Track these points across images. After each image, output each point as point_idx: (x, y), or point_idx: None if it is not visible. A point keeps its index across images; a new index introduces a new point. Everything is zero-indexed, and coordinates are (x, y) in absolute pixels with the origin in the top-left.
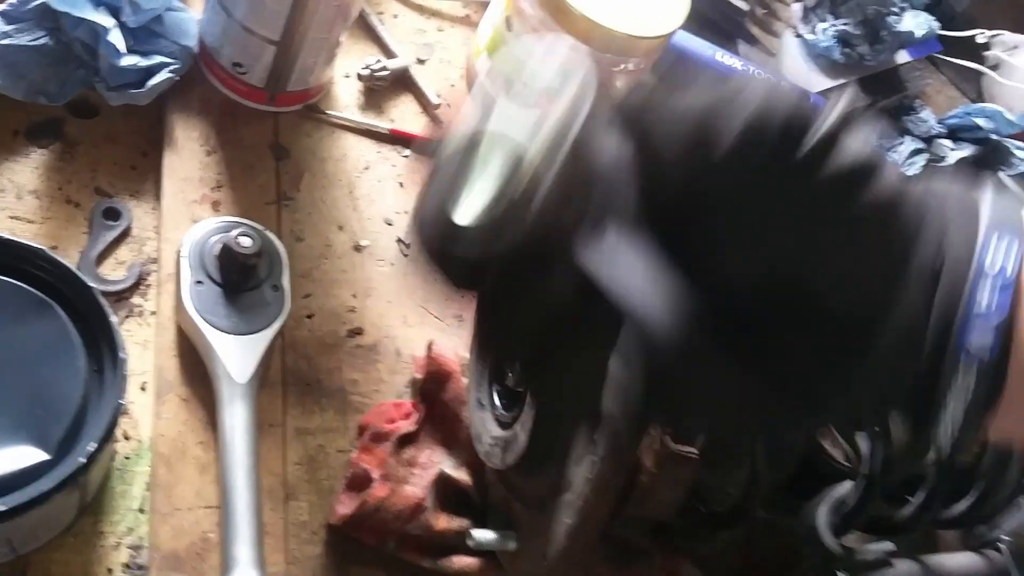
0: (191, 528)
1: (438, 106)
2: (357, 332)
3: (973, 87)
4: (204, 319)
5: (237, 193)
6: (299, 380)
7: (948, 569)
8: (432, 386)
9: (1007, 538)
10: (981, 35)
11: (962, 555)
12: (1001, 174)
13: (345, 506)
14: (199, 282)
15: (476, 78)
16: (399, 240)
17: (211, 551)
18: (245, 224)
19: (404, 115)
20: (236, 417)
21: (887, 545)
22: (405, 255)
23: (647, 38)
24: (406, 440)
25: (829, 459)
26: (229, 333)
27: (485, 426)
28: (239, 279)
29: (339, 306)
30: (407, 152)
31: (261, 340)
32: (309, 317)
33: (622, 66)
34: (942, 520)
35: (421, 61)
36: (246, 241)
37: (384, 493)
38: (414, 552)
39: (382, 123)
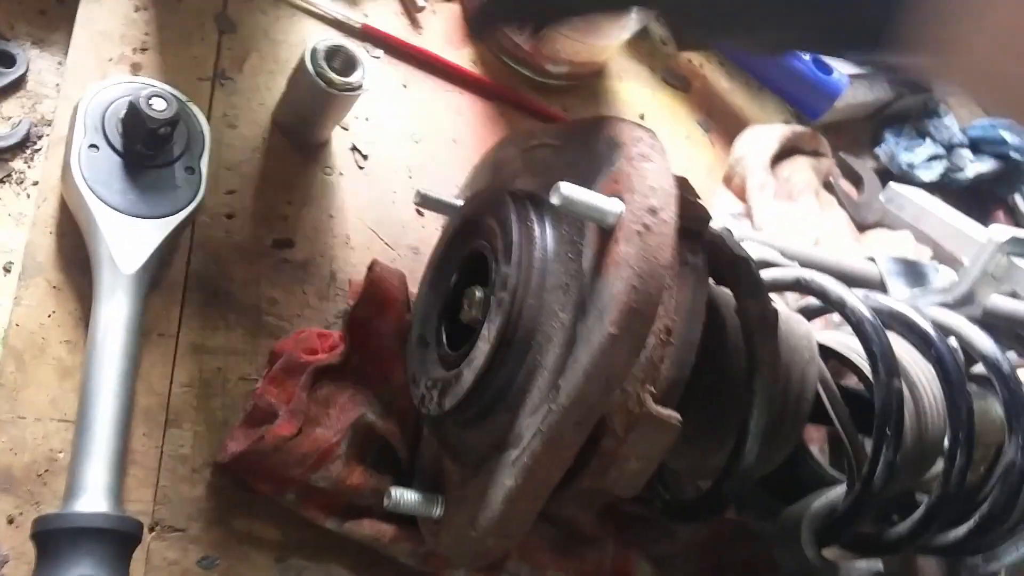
0: (35, 443)
1: (422, 9)
2: (286, 243)
3: None
4: (92, 190)
5: (166, 60)
6: (204, 287)
7: None
8: (367, 313)
9: (1006, 572)
10: None
11: None
12: (1018, 195)
13: (238, 442)
14: (94, 146)
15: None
16: (353, 148)
17: (57, 475)
18: (162, 88)
19: (381, 13)
20: (114, 314)
21: (876, 565)
22: (360, 167)
23: None
24: (324, 374)
25: (811, 460)
26: (121, 212)
27: (425, 366)
28: (145, 150)
29: (268, 210)
30: (378, 52)
31: (160, 228)
32: (229, 217)
33: None
34: (936, 545)
35: None
36: (159, 104)
37: (288, 432)
38: (317, 508)
39: (354, 15)
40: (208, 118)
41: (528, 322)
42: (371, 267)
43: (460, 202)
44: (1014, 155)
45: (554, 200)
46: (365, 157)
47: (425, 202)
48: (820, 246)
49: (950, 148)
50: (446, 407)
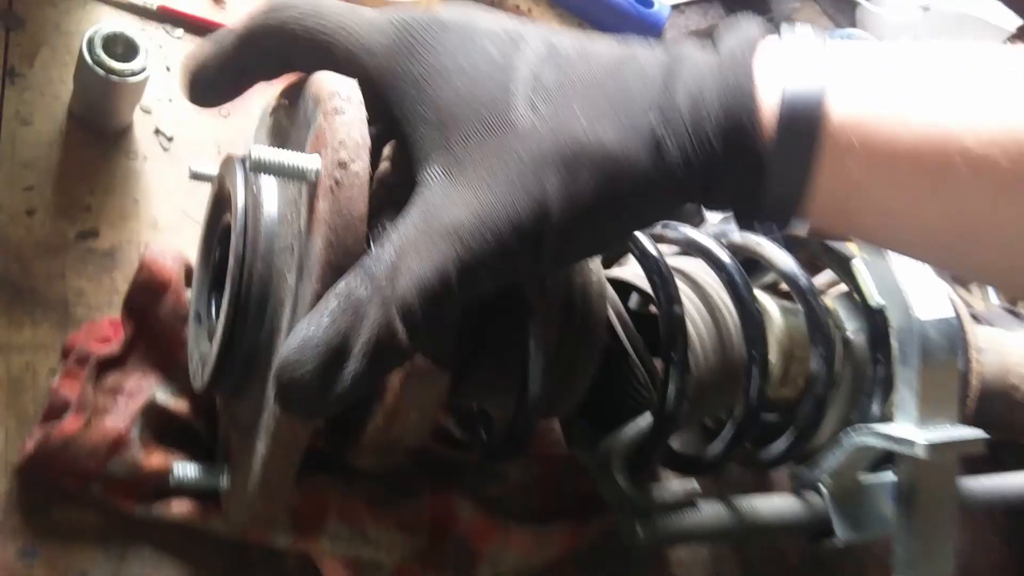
0: None
1: None
2: (91, 234)
3: (847, 18)
4: None
5: None
6: (8, 286)
7: (760, 512)
8: (142, 300)
9: (827, 478)
10: None
11: (778, 497)
12: None
13: (33, 441)
14: None
15: None
16: (157, 131)
17: None
18: None
19: None
20: None
21: (691, 485)
22: (165, 149)
23: None
24: (109, 364)
25: (638, 388)
26: None
27: (198, 342)
28: None
29: (70, 203)
30: (179, 32)
31: None
32: (29, 214)
33: None
34: (759, 459)
35: None
36: None
37: (75, 427)
38: (123, 497)
39: None
40: (0, 117)
41: (260, 288)
42: (143, 253)
43: None
44: None
45: (248, 165)
46: (170, 139)
47: (198, 177)
48: None
49: None
50: (203, 382)
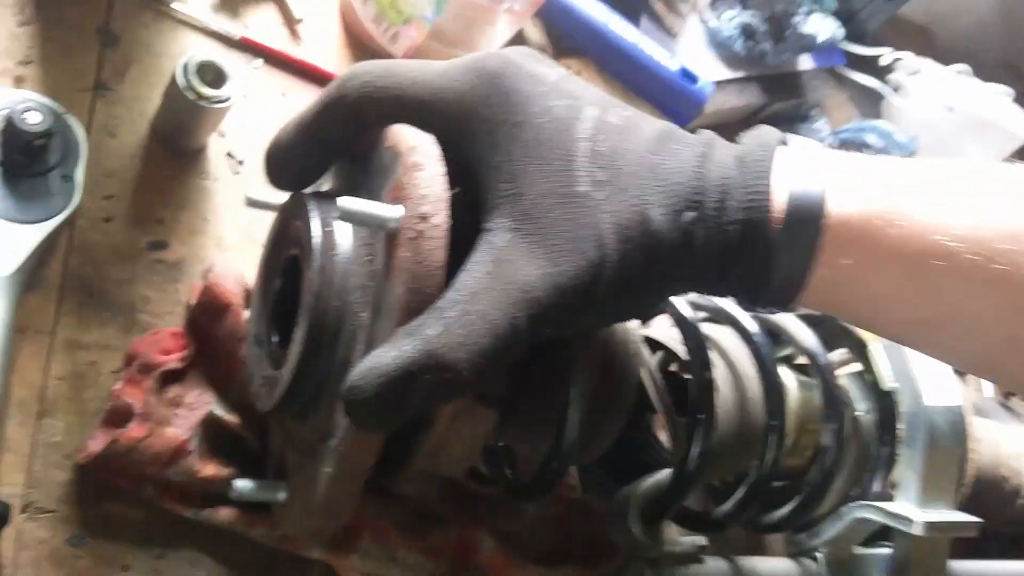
0: None
1: (300, 21)
2: (160, 245)
3: (873, 107)
4: None
5: (48, 73)
6: (81, 287)
7: (760, 572)
8: (204, 319)
9: (824, 547)
10: (886, 55)
11: (777, 560)
12: None
13: (97, 443)
14: None
15: (352, 9)
16: (229, 155)
17: None
18: (39, 101)
19: (261, 24)
20: None
21: (699, 539)
22: (235, 172)
23: None
24: (171, 377)
25: (655, 445)
26: None
27: (259, 365)
28: (21, 160)
29: (145, 215)
30: (257, 62)
31: (35, 233)
32: (107, 220)
33: (504, 5)
34: (762, 523)
35: None
36: (34, 118)
37: (141, 434)
38: (174, 500)
39: (234, 28)
40: (88, 128)
41: (334, 322)
42: (206, 272)
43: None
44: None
45: (335, 214)
46: (240, 163)
47: (254, 204)
48: None
49: None
50: (271, 404)
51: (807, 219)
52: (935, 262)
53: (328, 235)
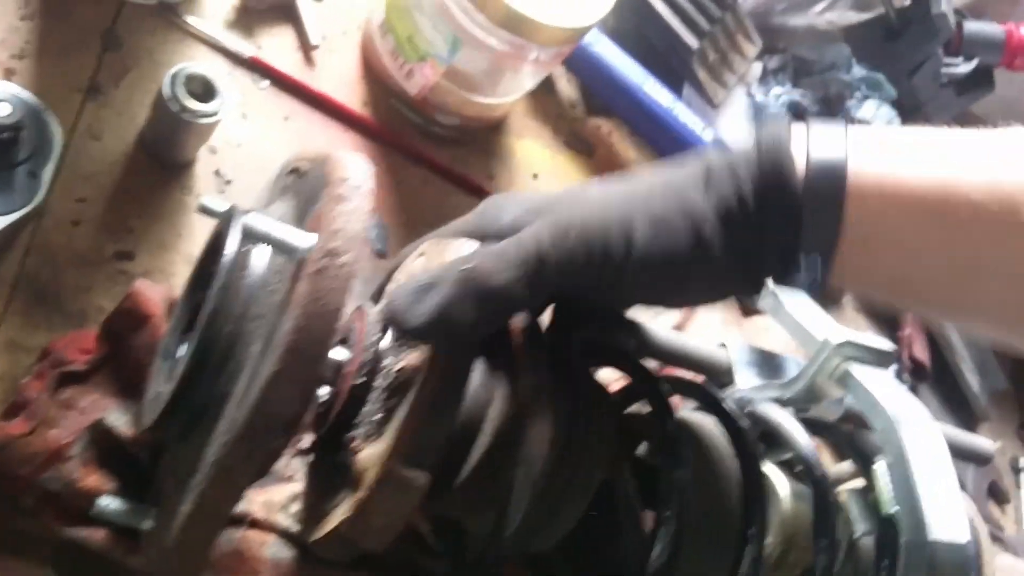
0: None
1: (316, 47)
2: (127, 256)
3: None
4: None
5: (42, 69)
6: (34, 288)
7: None
8: (122, 326)
9: None
10: None
11: None
12: None
13: None
14: None
15: (371, 41)
16: (217, 172)
17: None
18: (14, 94)
19: (274, 46)
20: None
21: None
22: (221, 192)
23: (553, 27)
24: (72, 378)
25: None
26: None
27: (158, 377)
28: None
29: (116, 222)
30: (264, 83)
31: None
32: (75, 224)
33: (532, 55)
34: None
35: None
36: (3, 109)
37: (18, 430)
38: (52, 515)
39: (245, 46)
40: (72, 128)
41: (224, 349)
42: (133, 284)
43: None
44: None
45: (238, 229)
46: (228, 183)
47: (205, 211)
48: (680, 330)
49: None
50: (146, 423)
51: (831, 176)
52: (959, 211)
53: (242, 255)
